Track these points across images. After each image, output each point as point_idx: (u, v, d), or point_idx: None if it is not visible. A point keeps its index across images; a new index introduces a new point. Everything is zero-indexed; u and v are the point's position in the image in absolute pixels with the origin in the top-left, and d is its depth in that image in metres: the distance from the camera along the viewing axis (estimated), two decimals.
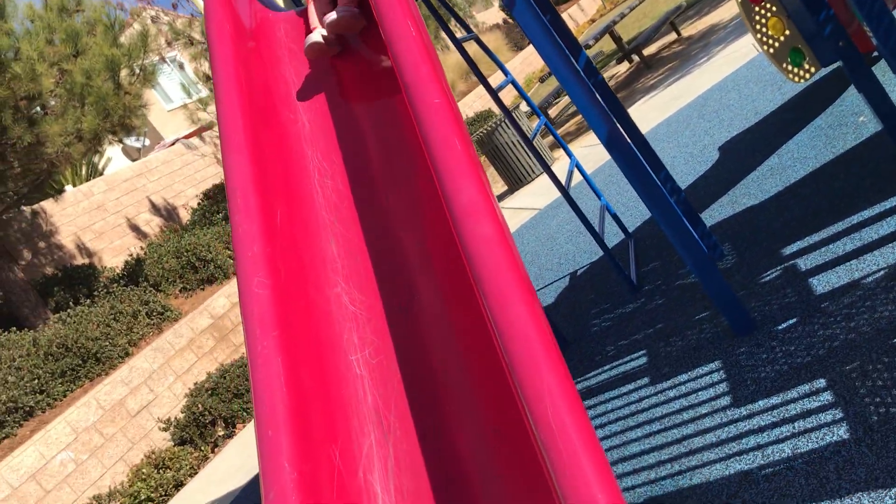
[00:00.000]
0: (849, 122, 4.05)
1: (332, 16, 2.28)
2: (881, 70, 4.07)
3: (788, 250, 3.26)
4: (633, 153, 2.83)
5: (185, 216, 13.58)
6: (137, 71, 9.05)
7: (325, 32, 2.33)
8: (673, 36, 11.85)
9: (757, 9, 3.14)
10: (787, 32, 3.17)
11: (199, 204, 13.21)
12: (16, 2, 8.55)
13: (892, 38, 2.51)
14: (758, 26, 3.18)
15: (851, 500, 1.91)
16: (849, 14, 3.22)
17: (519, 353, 1.25)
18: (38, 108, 8.70)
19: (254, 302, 1.69)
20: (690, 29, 11.61)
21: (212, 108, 10.88)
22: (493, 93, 4.13)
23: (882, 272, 2.66)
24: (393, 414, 1.68)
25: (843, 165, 3.66)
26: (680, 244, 2.86)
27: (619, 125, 2.87)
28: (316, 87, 2.34)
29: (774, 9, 3.11)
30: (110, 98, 8.49)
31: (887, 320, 2.41)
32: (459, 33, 15.35)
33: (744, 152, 4.75)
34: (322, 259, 1.95)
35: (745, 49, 7.27)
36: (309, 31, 2.42)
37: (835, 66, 4.49)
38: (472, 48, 9.89)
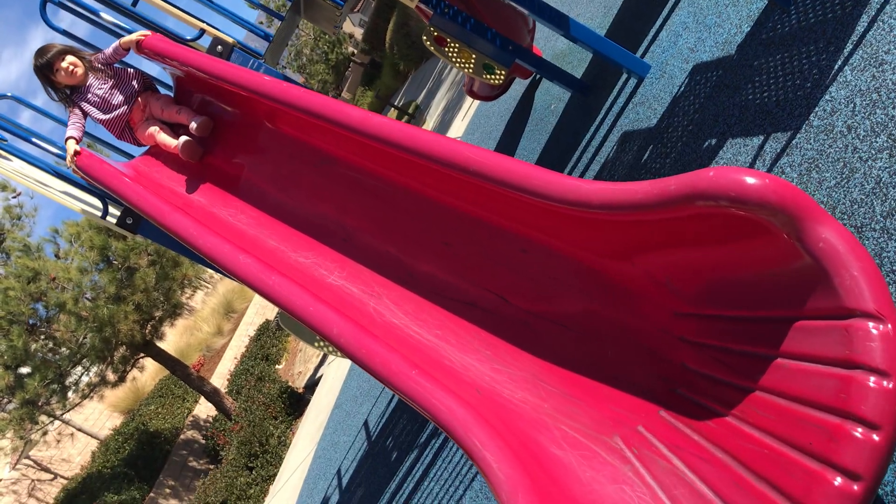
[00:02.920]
0: (546, 113, 5.42)
1: (195, 123, 3.00)
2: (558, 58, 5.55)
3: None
4: None
5: None
6: None
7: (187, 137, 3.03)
8: None
9: (446, 49, 4.37)
10: (474, 56, 4.41)
11: None
12: None
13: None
14: (454, 59, 4.40)
15: None
16: (511, 26, 4.57)
17: None
18: None
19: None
20: None
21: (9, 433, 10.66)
22: None
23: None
24: (375, 285, 2.40)
25: (560, 131, 4.94)
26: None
27: None
28: (195, 177, 3.07)
29: (457, 44, 4.34)
30: None
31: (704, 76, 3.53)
32: None
33: None
34: (265, 244, 2.65)
35: None
36: (169, 153, 3.13)
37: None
38: None
